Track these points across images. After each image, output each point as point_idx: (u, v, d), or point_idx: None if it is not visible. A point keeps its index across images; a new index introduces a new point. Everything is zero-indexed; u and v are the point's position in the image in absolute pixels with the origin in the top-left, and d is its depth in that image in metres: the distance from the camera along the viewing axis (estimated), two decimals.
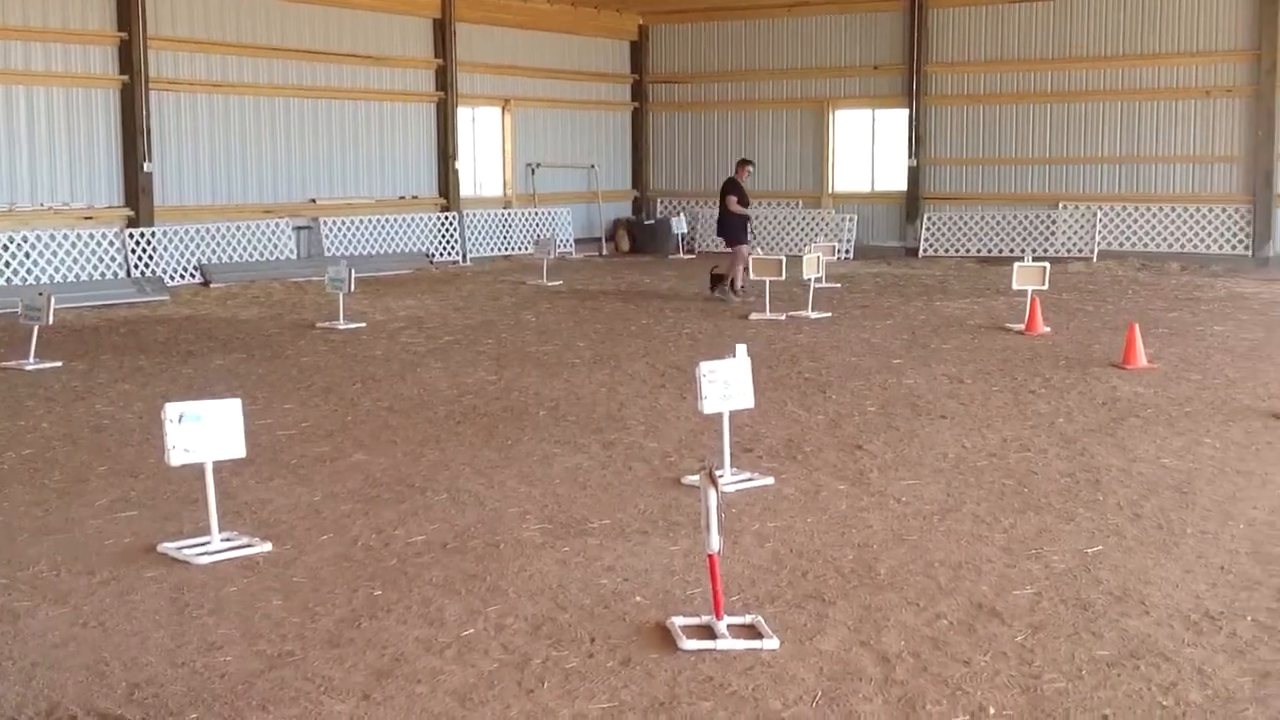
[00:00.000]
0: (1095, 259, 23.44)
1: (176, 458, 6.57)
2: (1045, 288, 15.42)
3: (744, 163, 19.12)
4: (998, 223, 24.66)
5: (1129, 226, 23.83)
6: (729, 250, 18.52)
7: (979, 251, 24.58)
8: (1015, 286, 15.53)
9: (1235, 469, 8.42)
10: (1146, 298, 18.33)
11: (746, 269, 17.49)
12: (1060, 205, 24.34)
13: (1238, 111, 22.90)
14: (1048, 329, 14.75)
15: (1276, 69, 22.34)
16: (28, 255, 17.94)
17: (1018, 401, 10.75)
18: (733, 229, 18.37)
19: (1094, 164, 24.12)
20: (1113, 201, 23.95)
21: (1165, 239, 23.54)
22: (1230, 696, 4.87)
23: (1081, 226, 24.05)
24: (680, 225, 26.33)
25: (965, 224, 24.96)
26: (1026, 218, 24.46)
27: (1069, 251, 23.86)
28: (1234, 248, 23.02)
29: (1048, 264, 15.93)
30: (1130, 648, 5.33)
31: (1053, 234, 24.23)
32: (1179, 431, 9.54)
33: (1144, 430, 9.59)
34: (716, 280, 18.06)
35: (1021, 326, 14.85)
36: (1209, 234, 23.24)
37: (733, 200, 18.23)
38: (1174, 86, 23.36)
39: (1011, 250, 23.67)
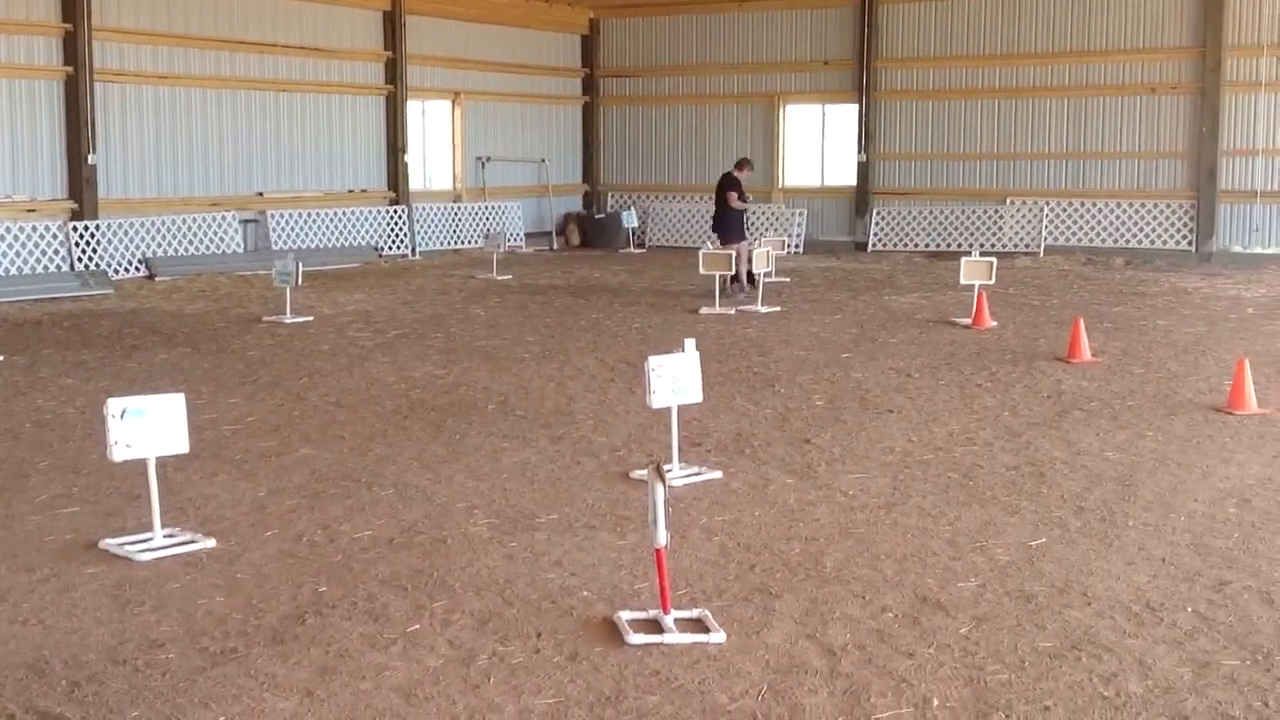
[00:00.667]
0: (1042, 254, 23.66)
1: (119, 453, 6.50)
2: (992, 282, 15.56)
3: (744, 161, 18.83)
4: (946, 218, 24.84)
5: (1075, 222, 24.07)
6: (727, 248, 17.59)
7: (927, 246, 24.75)
8: (963, 281, 15.66)
9: (1177, 462, 8.52)
10: (1091, 292, 18.52)
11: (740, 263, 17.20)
12: (1008, 201, 24.54)
13: (1182, 108, 23.17)
14: (994, 323, 14.87)
15: (1220, 66, 22.62)
16: None
17: (964, 395, 10.83)
18: (730, 226, 18.05)
19: (1041, 160, 24.34)
20: (1059, 197, 24.18)
21: (1111, 234, 23.80)
22: (1170, 687, 4.92)
23: (1028, 222, 24.26)
24: (631, 219, 26.33)
25: (914, 219, 25.11)
26: (974, 213, 24.65)
27: (1016, 246, 24.06)
28: (1178, 243, 23.29)
29: (995, 259, 16.06)
30: (1072, 639, 5.38)
31: (1000, 229, 24.43)
32: (1122, 425, 9.64)
33: (1087, 423, 9.69)
34: (733, 280, 17.33)
35: (968, 321, 14.96)
36: (1153, 229, 23.50)
37: (733, 195, 17.91)
38: (1120, 83, 23.61)
39: (959, 245, 23.84)
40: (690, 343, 7.94)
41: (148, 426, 6.56)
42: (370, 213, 23.40)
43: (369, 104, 23.53)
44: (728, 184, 18.16)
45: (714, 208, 18.64)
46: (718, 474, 8.14)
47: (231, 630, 5.51)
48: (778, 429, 9.57)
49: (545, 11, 26.80)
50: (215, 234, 20.76)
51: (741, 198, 18.12)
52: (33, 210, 18.60)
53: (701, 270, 16.59)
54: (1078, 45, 23.81)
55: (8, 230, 18.11)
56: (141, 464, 6.70)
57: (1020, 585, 6.06)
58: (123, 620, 5.64)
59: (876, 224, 25.32)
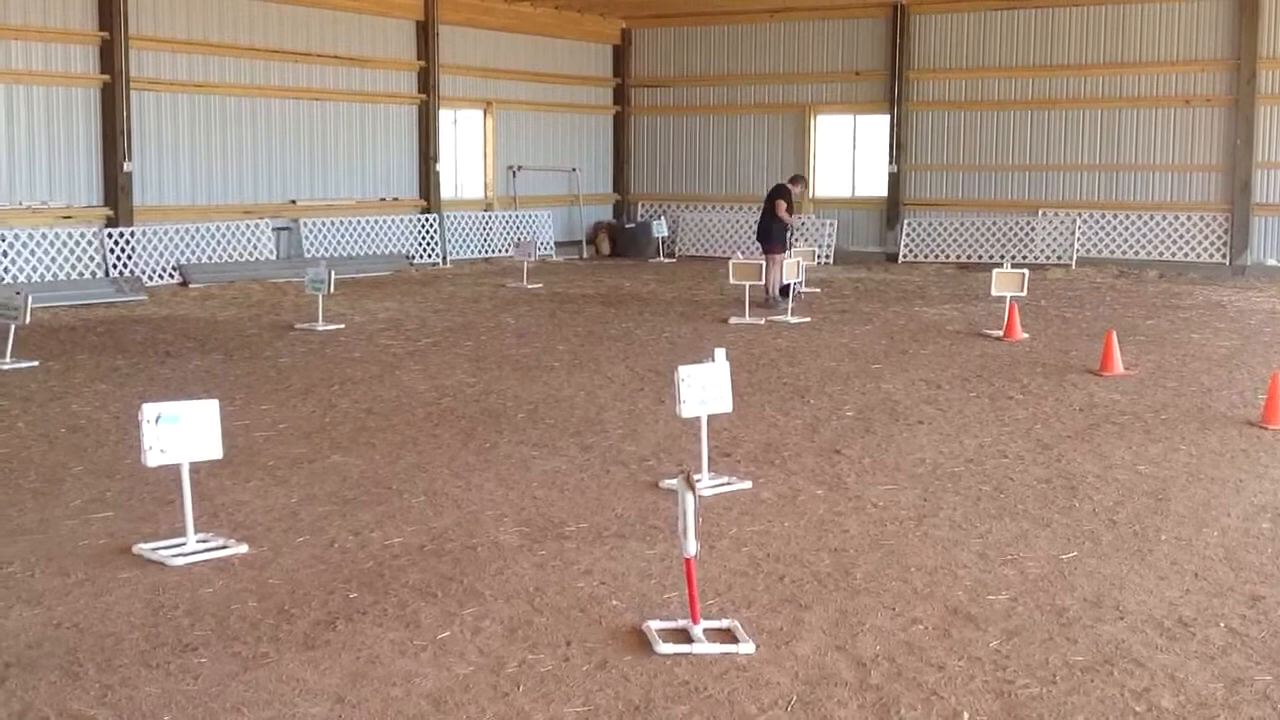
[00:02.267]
0: (1074, 266, 23.54)
1: (153, 459, 6.54)
2: (1024, 294, 15.50)
3: (798, 177, 18.89)
4: (977, 229, 24.74)
5: (1108, 234, 23.94)
6: (769, 257, 17.69)
7: (958, 257, 24.66)
8: (994, 293, 15.61)
9: (1210, 476, 8.46)
10: (1124, 305, 18.42)
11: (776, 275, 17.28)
12: (1040, 212, 24.43)
13: (1217, 120, 23.03)
14: (1026, 335, 14.81)
15: (1255, 79, 22.48)
16: (4, 254, 17.84)
17: (995, 407, 10.79)
18: (773, 236, 17.90)
19: (1074, 171, 24.22)
20: (1092, 209, 24.07)
21: (1144, 246, 23.65)
22: (1203, 703, 4.89)
23: (1061, 233, 24.15)
24: (661, 229, 26.35)
25: (945, 230, 25.03)
26: (1006, 224, 24.55)
27: (1048, 258, 23.95)
28: (1211, 256, 23.15)
29: (1027, 270, 16.00)
30: (1104, 654, 5.36)
31: (1032, 240, 24.32)
32: (1155, 438, 9.59)
33: (1120, 437, 9.64)
34: (783, 291, 17.27)
35: (1000, 333, 14.90)
36: (1187, 242, 23.36)
37: (781, 205, 17.81)
38: (1154, 95, 23.47)
39: (991, 256, 23.74)
40: (720, 352, 7.95)
41: (182, 432, 6.61)
42: (402, 221, 23.50)
43: (401, 113, 23.63)
44: (777, 193, 18.11)
45: (760, 216, 18.47)
46: (747, 484, 8.13)
47: (263, 635, 5.54)
48: (808, 439, 9.55)
49: (577, 21, 26.86)
50: (248, 241, 20.89)
51: (789, 209, 18.06)
52: (68, 217, 18.76)
53: (732, 280, 16.61)
54: (1111, 57, 23.70)
55: (44, 236, 18.27)
56: (175, 469, 6.75)
57: (1052, 599, 6.04)
58: (155, 624, 5.68)
59: (907, 235, 25.25)
